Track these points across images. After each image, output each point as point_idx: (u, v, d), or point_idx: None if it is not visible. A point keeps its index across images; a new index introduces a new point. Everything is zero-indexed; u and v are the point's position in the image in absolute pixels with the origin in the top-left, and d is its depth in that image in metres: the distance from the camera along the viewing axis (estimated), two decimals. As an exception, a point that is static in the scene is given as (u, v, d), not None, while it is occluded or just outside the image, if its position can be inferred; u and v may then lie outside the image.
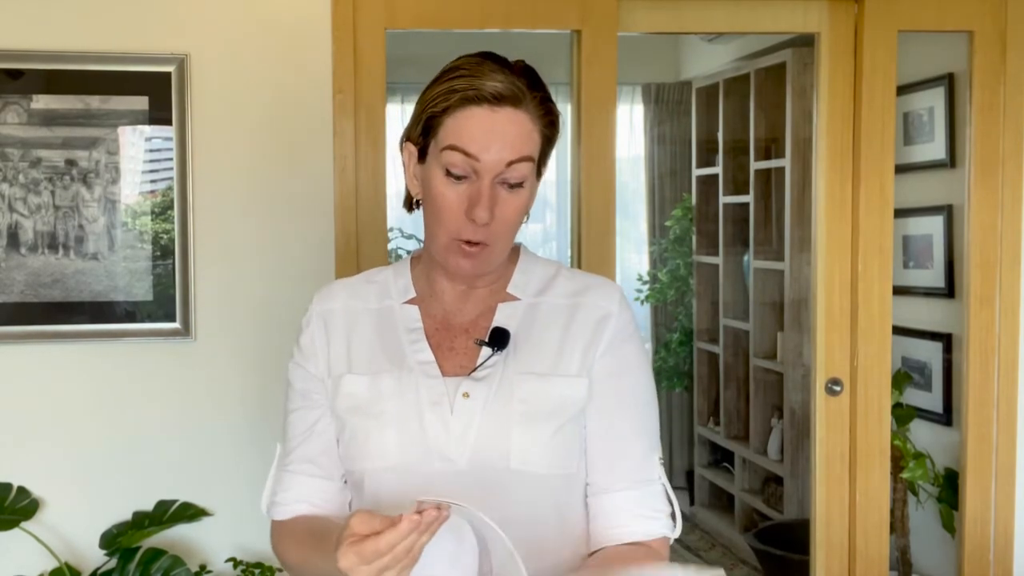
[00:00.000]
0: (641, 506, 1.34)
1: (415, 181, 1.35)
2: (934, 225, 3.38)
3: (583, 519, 1.36)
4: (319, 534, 1.29)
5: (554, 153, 1.37)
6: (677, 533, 1.37)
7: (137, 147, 2.38)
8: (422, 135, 1.31)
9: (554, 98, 1.33)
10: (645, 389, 1.38)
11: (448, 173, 1.27)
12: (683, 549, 4.60)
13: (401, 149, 1.36)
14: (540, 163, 1.32)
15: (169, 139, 2.38)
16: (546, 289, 1.39)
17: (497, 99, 1.25)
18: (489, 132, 1.25)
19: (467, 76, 1.27)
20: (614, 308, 1.37)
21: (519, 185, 1.28)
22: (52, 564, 2.32)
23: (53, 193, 2.34)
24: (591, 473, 1.35)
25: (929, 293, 3.44)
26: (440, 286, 1.38)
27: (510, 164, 1.26)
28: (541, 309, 1.37)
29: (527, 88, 1.28)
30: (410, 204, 1.39)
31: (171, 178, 2.39)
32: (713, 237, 4.86)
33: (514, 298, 1.38)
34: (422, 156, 1.32)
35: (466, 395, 1.30)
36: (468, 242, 1.28)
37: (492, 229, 1.28)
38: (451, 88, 1.27)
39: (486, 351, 1.33)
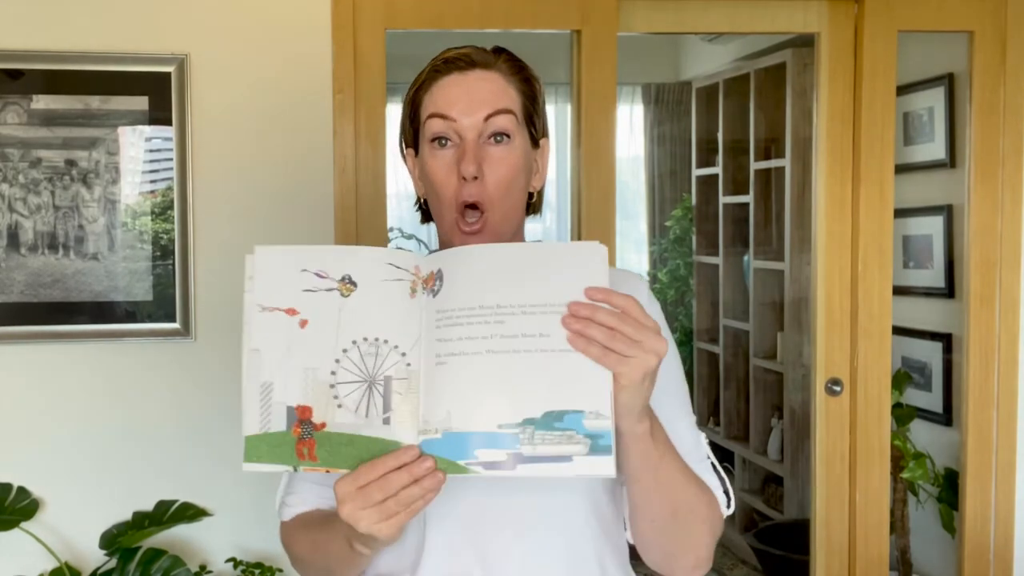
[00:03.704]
0: None
1: (418, 181, 1.35)
2: (934, 225, 3.39)
3: (613, 514, 1.33)
4: (328, 516, 1.27)
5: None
6: (730, 510, 1.34)
7: (137, 147, 2.38)
8: (411, 123, 1.33)
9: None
10: (680, 375, 1.39)
11: (434, 141, 1.28)
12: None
13: (403, 158, 1.37)
14: (531, 126, 1.32)
15: (169, 139, 2.38)
16: None
17: (467, 63, 1.28)
18: (463, 93, 1.27)
19: (438, 57, 1.31)
20: (644, 299, 1.35)
21: (505, 137, 1.28)
22: (52, 564, 2.32)
23: (53, 193, 2.34)
24: None
25: (929, 293, 3.45)
26: None
27: (488, 118, 1.27)
28: None
29: (503, 59, 1.31)
30: (423, 209, 1.38)
31: (171, 178, 2.39)
32: (713, 237, 4.86)
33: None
34: (417, 150, 1.33)
35: None
36: (468, 216, 1.27)
37: (487, 191, 1.26)
38: (423, 70, 1.31)
39: None
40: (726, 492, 1.34)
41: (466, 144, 1.26)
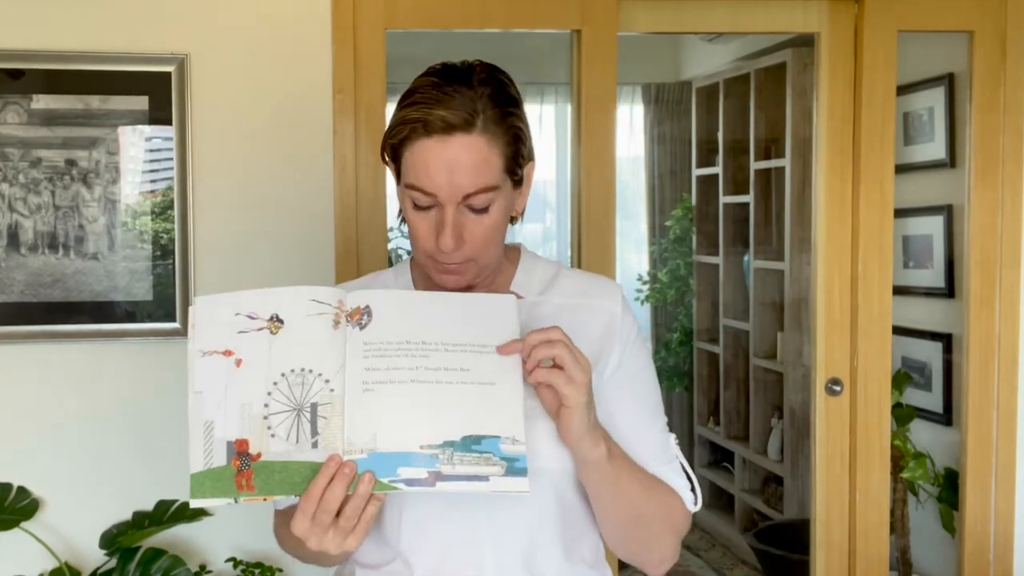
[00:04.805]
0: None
1: (401, 197, 1.35)
2: (934, 225, 3.39)
3: (584, 516, 1.37)
4: None
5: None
6: (697, 507, 1.41)
7: (137, 147, 2.38)
8: (392, 160, 1.31)
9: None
10: (653, 380, 1.42)
11: (415, 205, 1.27)
12: (683, 549, 4.59)
13: (385, 163, 1.36)
14: (513, 175, 1.29)
15: (169, 139, 2.38)
16: (548, 288, 1.39)
17: (446, 128, 1.22)
18: (442, 167, 1.23)
19: (419, 104, 1.24)
20: (618, 308, 1.38)
21: (484, 211, 1.27)
22: (52, 564, 2.32)
23: (53, 193, 2.34)
24: None
25: (929, 293, 3.45)
26: (442, 288, 1.38)
27: (468, 197, 1.24)
28: (544, 308, 1.37)
29: (489, 101, 1.24)
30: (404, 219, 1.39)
31: (171, 178, 2.39)
32: (713, 237, 4.86)
33: (517, 296, 1.38)
34: (398, 178, 1.32)
35: None
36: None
37: (466, 252, 1.27)
38: (404, 118, 1.25)
39: None
40: (693, 491, 1.40)
41: (445, 215, 1.24)
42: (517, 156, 1.29)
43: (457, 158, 1.23)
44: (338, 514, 1.15)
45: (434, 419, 1.16)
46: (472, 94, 1.24)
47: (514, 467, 1.16)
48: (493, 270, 1.37)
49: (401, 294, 1.28)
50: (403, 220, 1.38)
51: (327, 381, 1.17)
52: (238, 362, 1.19)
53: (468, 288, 1.34)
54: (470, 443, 1.16)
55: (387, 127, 1.30)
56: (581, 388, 1.18)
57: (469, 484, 1.15)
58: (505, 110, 1.26)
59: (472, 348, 1.20)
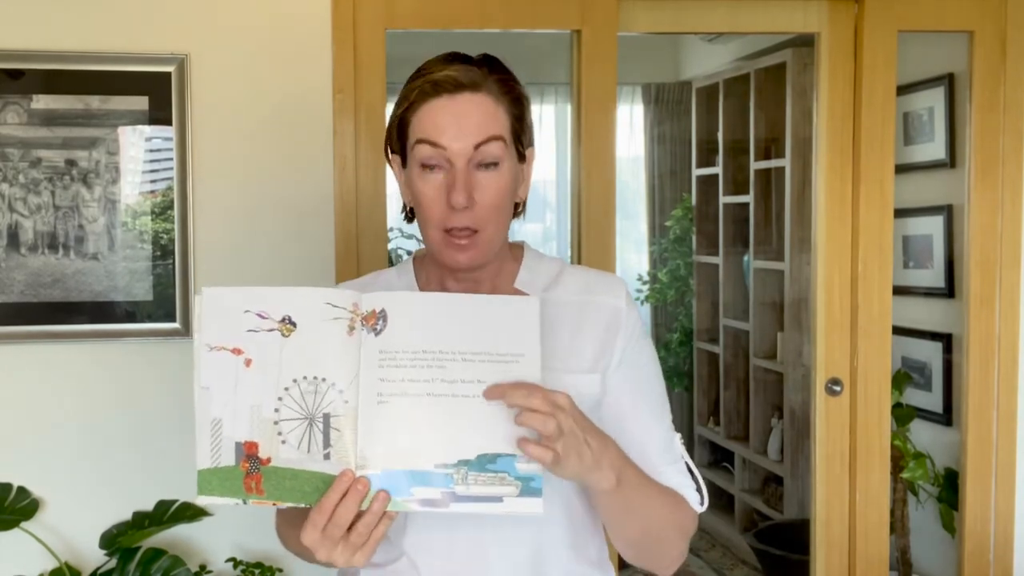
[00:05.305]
0: (668, 484, 1.37)
1: (405, 189, 1.36)
2: (934, 225, 3.39)
3: (590, 517, 1.38)
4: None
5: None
6: (703, 507, 1.41)
7: (137, 147, 2.38)
8: (398, 139, 1.33)
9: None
10: (658, 377, 1.42)
11: (423, 167, 1.29)
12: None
13: (388, 162, 1.38)
14: (518, 143, 1.33)
15: (169, 139, 2.38)
16: (553, 286, 1.40)
17: (455, 86, 1.27)
18: (451, 120, 1.26)
19: (425, 73, 1.29)
20: (622, 304, 1.39)
21: (495, 165, 1.28)
22: (52, 564, 2.32)
23: (53, 193, 2.34)
24: None
25: (929, 293, 3.45)
26: (447, 286, 1.39)
27: (478, 147, 1.27)
28: (549, 306, 1.37)
29: (488, 71, 1.30)
30: (408, 214, 1.40)
31: (171, 178, 2.39)
32: (713, 237, 4.86)
33: (522, 294, 1.38)
34: (404, 161, 1.34)
35: None
36: (457, 231, 1.28)
37: (477, 214, 1.28)
38: (411, 87, 1.30)
39: None
40: (699, 490, 1.41)
41: (456, 172, 1.27)
42: (522, 119, 1.33)
43: (466, 111, 1.27)
44: (349, 528, 1.14)
45: (449, 436, 1.14)
46: (476, 69, 1.30)
47: (529, 487, 1.13)
48: (497, 267, 1.37)
49: (419, 296, 1.24)
50: (407, 217, 1.39)
51: (341, 392, 1.14)
52: (247, 362, 1.16)
53: (477, 277, 1.34)
54: (485, 462, 1.13)
55: (394, 104, 1.33)
56: (569, 465, 1.15)
57: (483, 506, 1.13)
58: (509, 84, 1.31)
59: (490, 358, 1.16)
